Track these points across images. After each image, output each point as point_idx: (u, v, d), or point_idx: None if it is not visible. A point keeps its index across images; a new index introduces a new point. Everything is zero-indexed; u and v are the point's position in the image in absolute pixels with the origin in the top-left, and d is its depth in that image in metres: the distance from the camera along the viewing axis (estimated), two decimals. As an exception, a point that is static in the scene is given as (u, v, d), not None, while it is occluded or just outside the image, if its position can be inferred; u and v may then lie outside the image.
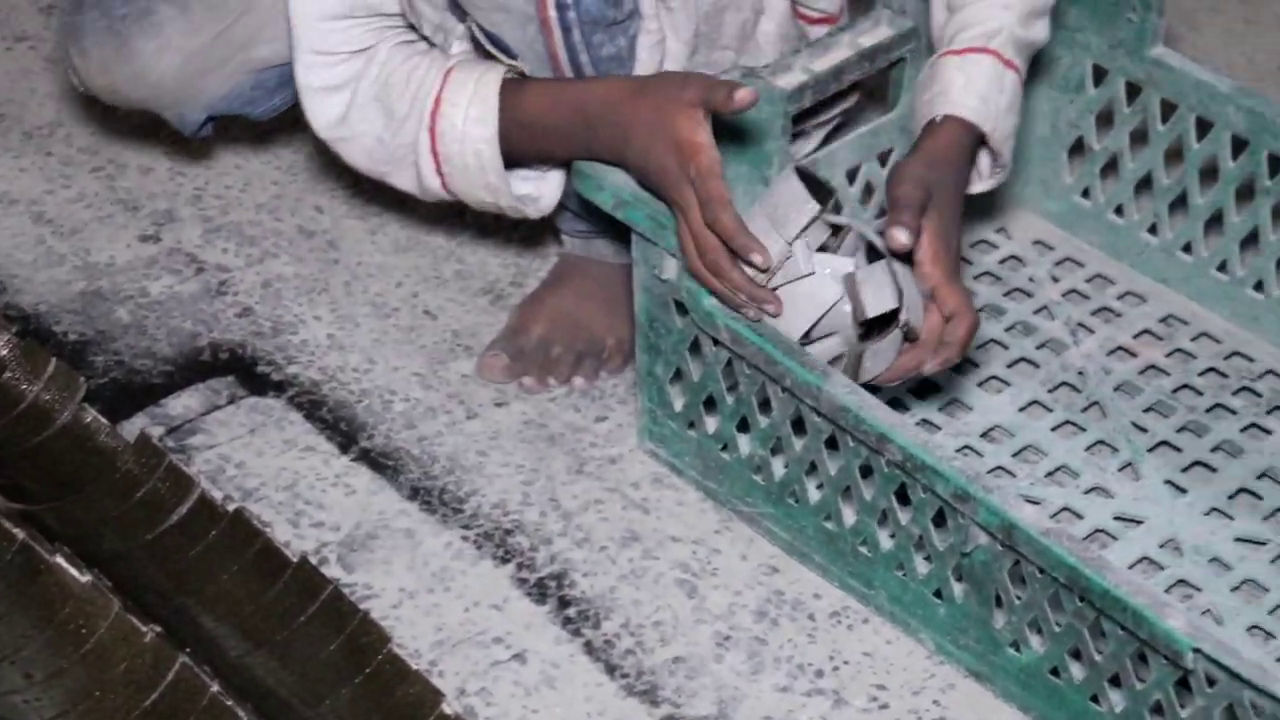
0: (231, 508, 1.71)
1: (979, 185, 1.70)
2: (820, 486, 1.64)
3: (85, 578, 1.62)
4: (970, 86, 1.64)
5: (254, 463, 1.77)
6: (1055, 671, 1.53)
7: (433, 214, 1.98)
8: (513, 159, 1.69)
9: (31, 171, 2.05)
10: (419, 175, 1.71)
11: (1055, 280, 1.94)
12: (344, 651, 1.61)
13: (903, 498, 1.57)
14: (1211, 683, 1.41)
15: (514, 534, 1.72)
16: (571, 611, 1.66)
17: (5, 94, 2.14)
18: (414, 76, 1.68)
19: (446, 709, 1.56)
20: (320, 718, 1.57)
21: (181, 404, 1.82)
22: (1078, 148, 1.95)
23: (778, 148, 1.73)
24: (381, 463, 1.78)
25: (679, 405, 1.72)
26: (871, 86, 1.91)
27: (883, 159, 1.83)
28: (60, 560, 1.64)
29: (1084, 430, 1.79)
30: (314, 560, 1.65)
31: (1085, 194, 1.95)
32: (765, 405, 1.65)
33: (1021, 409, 1.80)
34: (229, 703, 1.53)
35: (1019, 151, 1.78)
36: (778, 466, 1.67)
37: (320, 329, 1.89)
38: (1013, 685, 1.57)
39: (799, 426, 1.62)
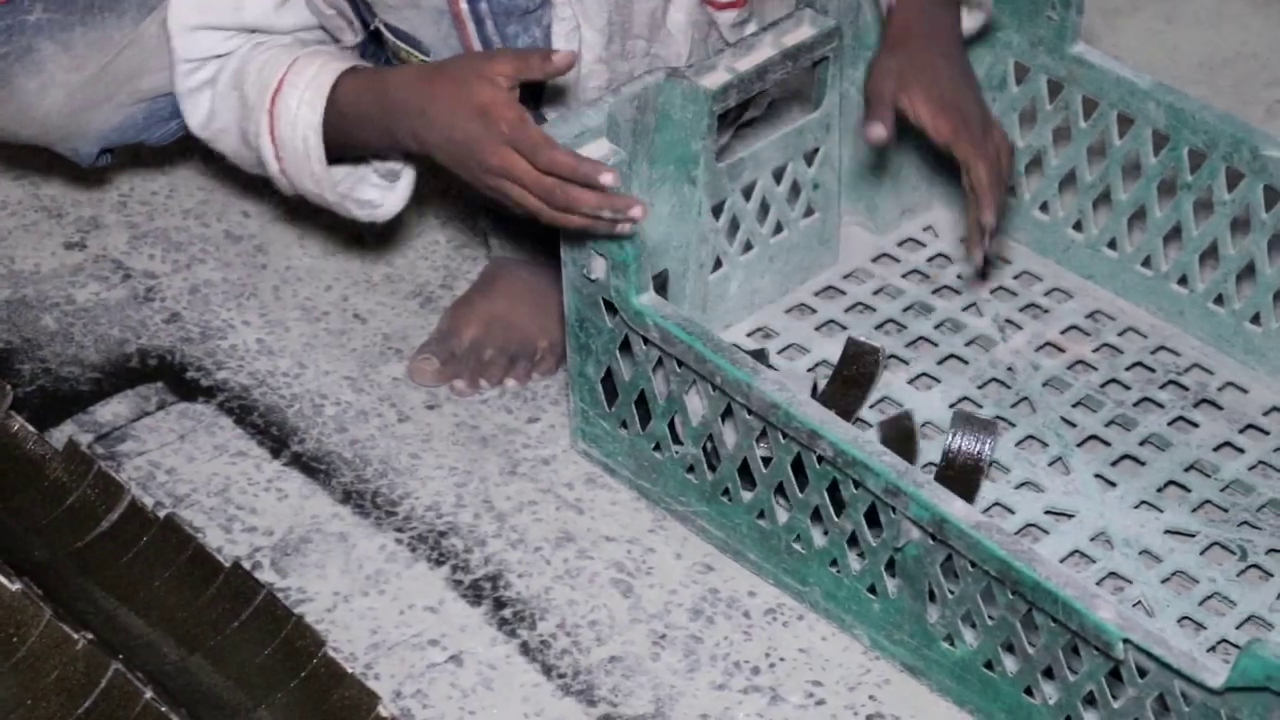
0: (162, 514, 1.70)
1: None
2: (752, 484, 1.64)
3: (15, 586, 1.61)
4: None
5: (185, 468, 1.76)
6: (989, 665, 1.54)
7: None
8: (335, 152, 1.67)
9: (-47, 179, 2.04)
10: (264, 160, 1.70)
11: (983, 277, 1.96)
12: (279, 656, 1.60)
13: (834, 494, 1.58)
14: (1143, 673, 1.42)
15: (448, 536, 1.71)
16: (507, 612, 1.65)
17: (-74, 101, 2.12)
18: (266, 64, 1.68)
19: (383, 711, 1.55)
20: None
21: (110, 411, 1.80)
22: None
23: (703, 147, 1.73)
24: (314, 467, 1.77)
25: (610, 405, 1.71)
26: (796, 86, 1.92)
27: (809, 158, 1.84)
28: (-10, 569, 1.63)
29: (1014, 425, 1.79)
30: (247, 565, 1.65)
31: (1010, 191, 1.95)
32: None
33: (952, 405, 1.81)
34: (163, 709, 1.52)
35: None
36: (709, 467, 1.67)
37: (250, 334, 1.88)
38: (948, 679, 1.57)
39: (728, 422, 1.63)
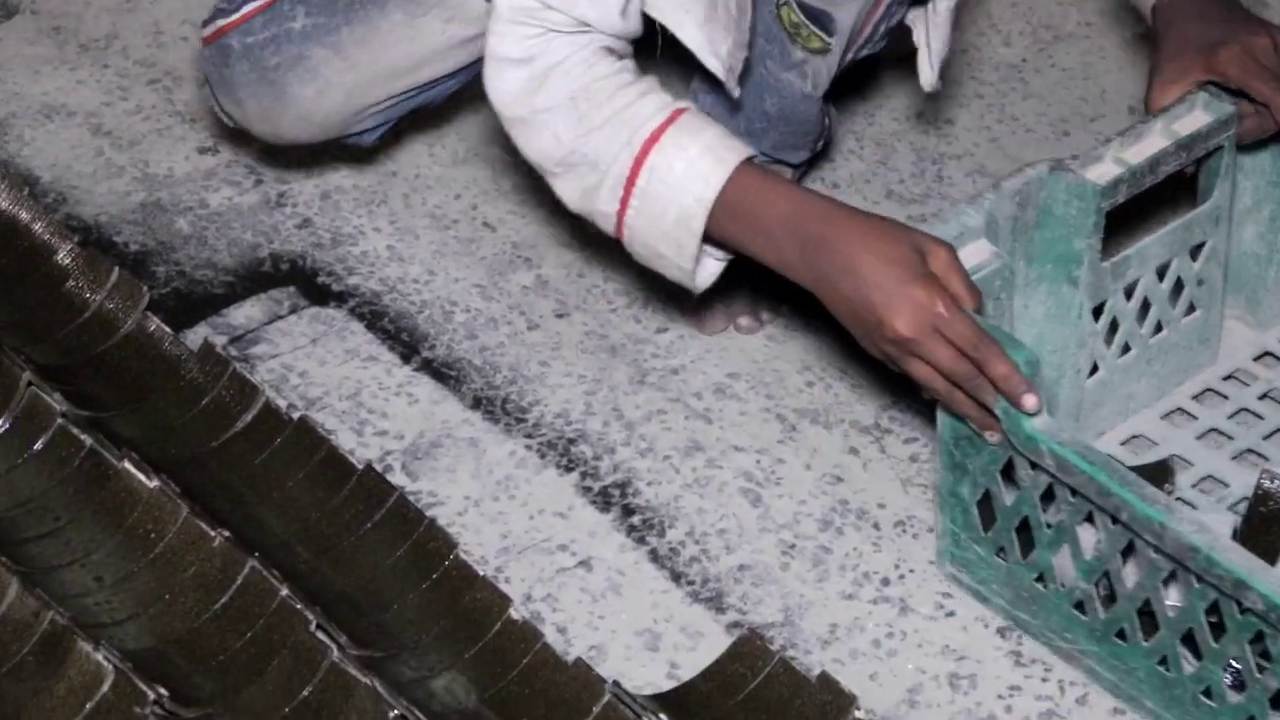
0: (296, 416, 1.72)
1: None
2: (1153, 626, 1.47)
3: (153, 483, 1.63)
4: None
5: (317, 372, 1.77)
6: None
7: (490, 128, 1.96)
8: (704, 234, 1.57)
9: (89, 84, 2.04)
10: (592, 192, 1.57)
11: None
12: (410, 558, 1.63)
13: (1256, 643, 1.41)
14: None
15: (577, 443, 1.71)
16: (636, 520, 1.65)
17: (60, 7, 2.12)
18: (623, 94, 1.55)
19: (514, 614, 1.57)
20: (388, 622, 1.58)
21: (243, 314, 1.81)
22: None
23: (1087, 246, 1.60)
24: (444, 373, 1.77)
25: (986, 529, 1.55)
26: (1182, 180, 1.72)
27: (1194, 253, 1.69)
28: (128, 465, 1.65)
29: None
30: (379, 468, 1.66)
31: None
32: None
33: None
34: (299, 606, 1.54)
35: None
36: (1103, 604, 1.51)
37: (380, 240, 1.89)
38: None
39: (1128, 558, 1.47)
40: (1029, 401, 1.44)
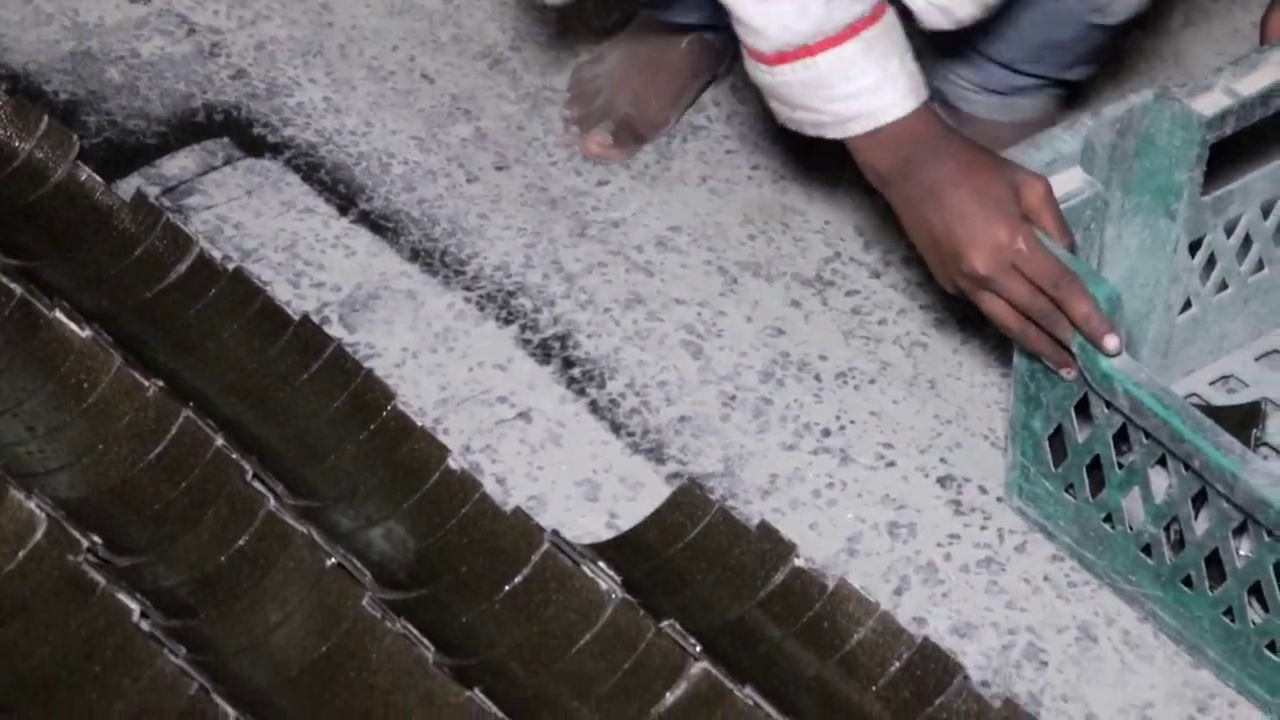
0: (231, 267, 1.69)
1: None
2: (1220, 576, 1.45)
3: (85, 332, 1.60)
4: None
5: (252, 223, 1.74)
6: None
7: (427, -21, 1.93)
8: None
9: (16, -68, 2.00)
10: (799, 13, 1.42)
11: None
12: (348, 409, 1.61)
13: None
14: None
15: (517, 296, 1.70)
16: (576, 372, 1.64)
17: None
18: None
19: (452, 464, 1.56)
20: (324, 473, 1.57)
21: (177, 164, 1.78)
22: None
23: (1189, 179, 1.54)
24: (381, 225, 1.75)
25: (1056, 465, 1.52)
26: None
27: None
28: (59, 315, 1.62)
29: None
30: (315, 320, 1.64)
31: None
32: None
33: None
34: (234, 456, 1.52)
35: None
36: (1171, 549, 1.49)
37: (316, 92, 1.85)
38: None
39: (1200, 504, 1.44)
40: (1110, 342, 1.40)
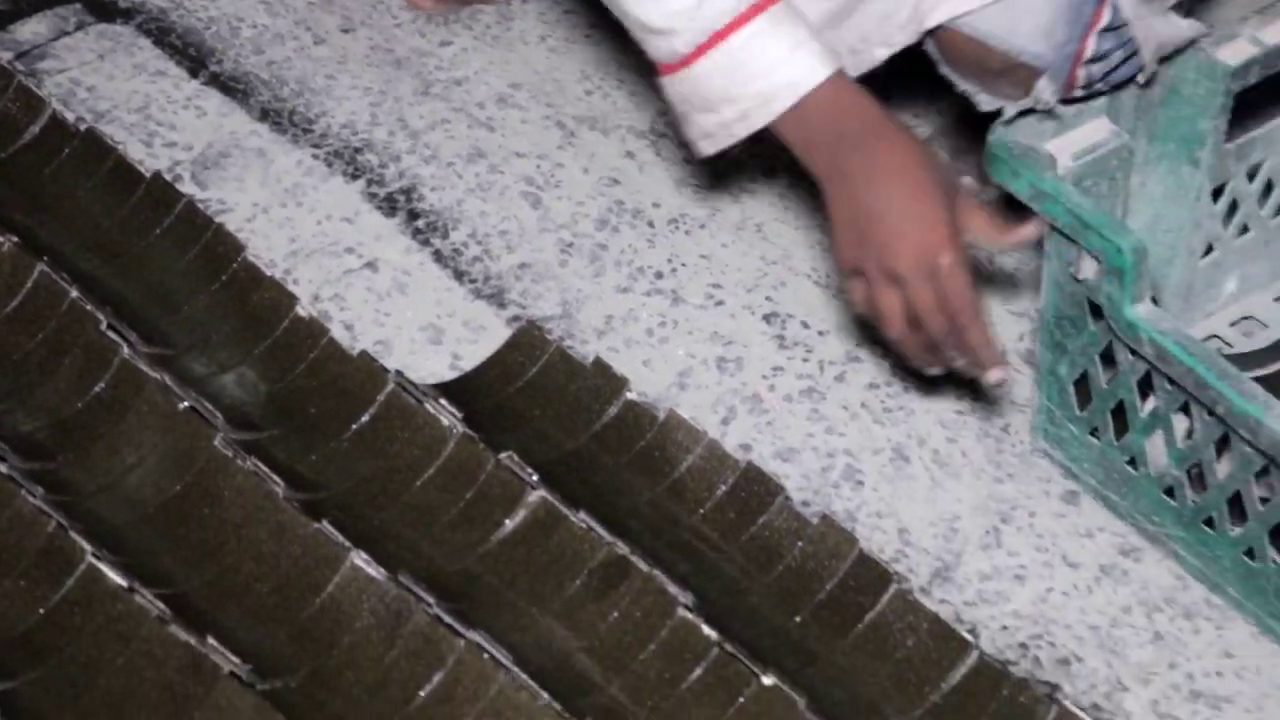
0: (84, 128, 1.72)
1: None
2: (1242, 517, 1.47)
3: (-60, 191, 1.63)
4: None
5: (105, 86, 1.78)
6: None
7: None
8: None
9: None
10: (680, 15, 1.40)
11: None
12: (200, 261, 1.66)
13: None
14: None
15: (363, 152, 1.75)
16: (420, 223, 1.70)
17: None
18: None
19: (300, 311, 1.61)
20: (178, 323, 1.62)
21: (29, 30, 1.81)
22: None
23: (1212, 127, 1.55)
24: (231, 86, 1.79)
25: (1081, 409, 1.54)
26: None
27: None
28: (-88, 173, 1.65)
29: None
30: (168, 177, 1.68)
31: None
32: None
33: None
34: (89, 307, 1.57)
35: None
36: (1193, 491, 1.50)
37: (166, -41, 1.90)
38: None
39: (1222, 448, 1.46)
40: (994, 375, 1.42)
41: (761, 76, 1.39)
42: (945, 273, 1.39)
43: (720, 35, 1.39)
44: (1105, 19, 1.41)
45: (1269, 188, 1.65)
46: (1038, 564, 1.50)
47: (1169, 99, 1.56)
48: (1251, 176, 1.63)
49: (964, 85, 1.45)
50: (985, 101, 1.46)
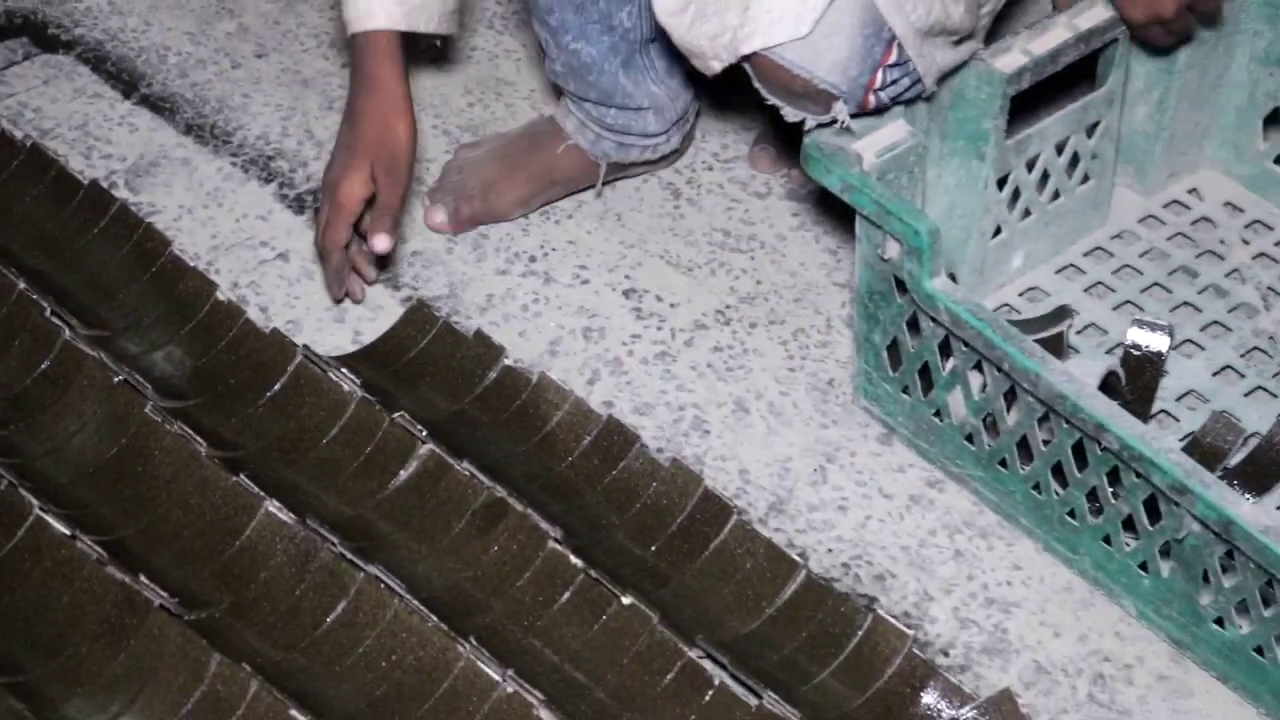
0: (29, 143, 1.82)
1: None
2: (1030, 457, 1.56)
3: (-97, 200, 1.73)
4: None
5: (49, 108, 1.87)
6: (1260, 650, 1.47)
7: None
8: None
9: None
10: None
11: (1246, 243, 1.82)
12: (132, 256, 1.73)
13: (1113, 477, 1.50)
14: None
15: (275, 159, 1.84)
16: (326, 219, 1.81)
17: None
18: None
19: (220, 296, 1.69)
20: (114, 309, 1.70)
21: (-20, 61, 1.91)
22: (1273, 118, 1.83)
23: (994, 126, 1.64)
24: (160, 105, 1.88)
25: (894, 370, 1.64)
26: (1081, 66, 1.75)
27: (1089, 131, 1.74)
28: (-120, 186, 1.74)
29: (1276, 396, 1.68)
30: (104, 185, 1.77)
31: (1277, 160, 1.84)
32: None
33: (1215, 374, 1.70)
34: (35, 296, 1.64)
35: (1216, 115, 1.77)
36: (989, 436, 1.59)
37: (102, -3, 1.99)
38: (1214, 657, 1.51)
39: (1010, 399, 1.55)
40: (379, 243, 1.61)
41: (351, 5, 1.60)
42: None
43: None
44: (893, 57, 1.53)
45: (1045, 176, 1.74)
46: (858, 496, 1.60)
47: (956, 103, 1.66)
48: (1030, 167, 1.72)
49: (773, 100, 1.56)
50: (790, 114, 1.56)
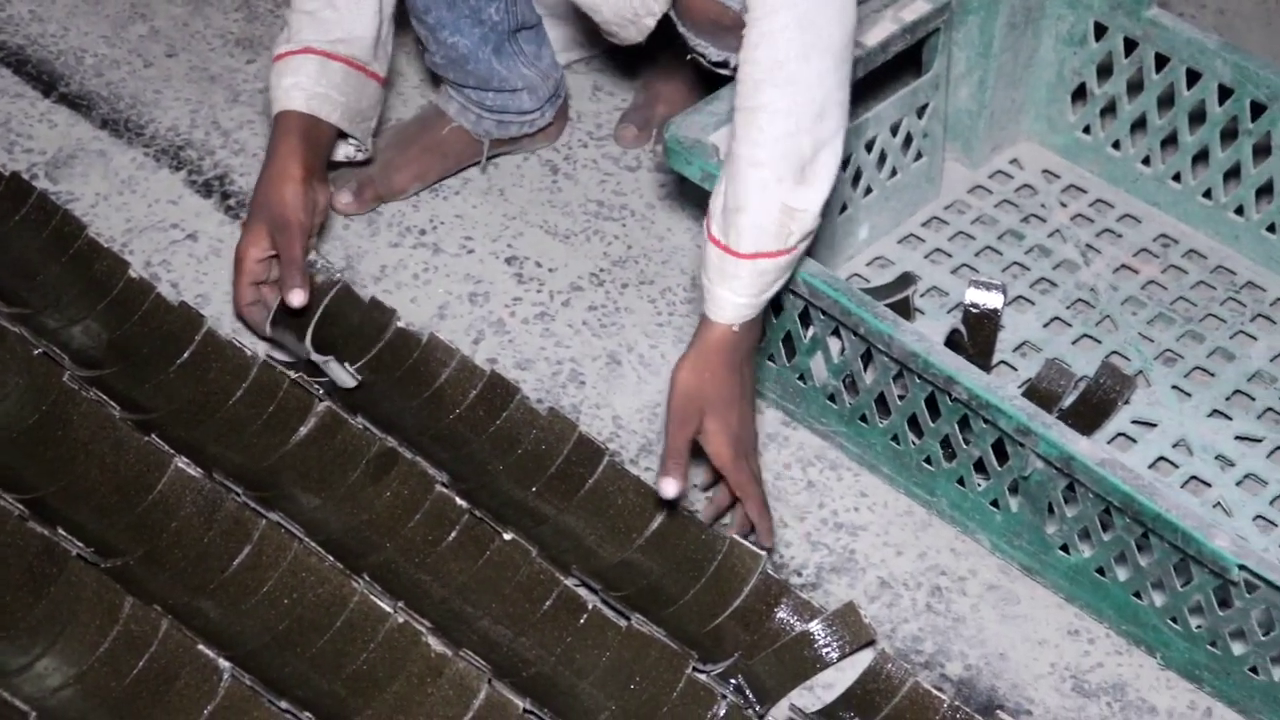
0: (-46, 140, 1.83)
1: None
2: (887, 411, 1.58)
3: None
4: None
5: (-28, 109, 1.87)
6: (1101, 571, 1.51)
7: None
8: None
9: None
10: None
11: (1064, 205, 1.85)
12: (51, 240, 1.74)
13: (962, 423, 1.52)
14: (1251, 589, 1.40)
15: (185, 149, 1.85)
16: (231, 202, 1.80)
17: None
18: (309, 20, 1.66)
19: (133, 274, 1.69)
20: (35, 289, 1.69)
21: (-92, 66, 1.89)
22: (1080, 92, 1.86)
23: None
24: (77, 102, 1.88)
25: (760, 341, 1.60)
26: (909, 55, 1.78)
27: (919, 112, 1.77)
28: None
29: (1100, 343, 1.73)
30: (26, 177, 1.77)
31: (1086, 130, 1.87)
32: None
33: (1045, 325, 1.74)
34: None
35: (1030, 92, 1.82)
36: (849, 395, 1.61)
37: (23, 6, 1.98)
38: (1061, 580, 1.54)
39: (867, 360, 1.58)
40: (294, 298, 1.59)
41: (276, 87, 1.66)
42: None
43: (282, 55, 1.66)
44: None
45: (883, 156, 1.77)
46: (720, 436, 1.64)
47: None
48: (869, 148, 1.75)
49: (696, 41, 1.57)
50: (714, 54, 1.57)
